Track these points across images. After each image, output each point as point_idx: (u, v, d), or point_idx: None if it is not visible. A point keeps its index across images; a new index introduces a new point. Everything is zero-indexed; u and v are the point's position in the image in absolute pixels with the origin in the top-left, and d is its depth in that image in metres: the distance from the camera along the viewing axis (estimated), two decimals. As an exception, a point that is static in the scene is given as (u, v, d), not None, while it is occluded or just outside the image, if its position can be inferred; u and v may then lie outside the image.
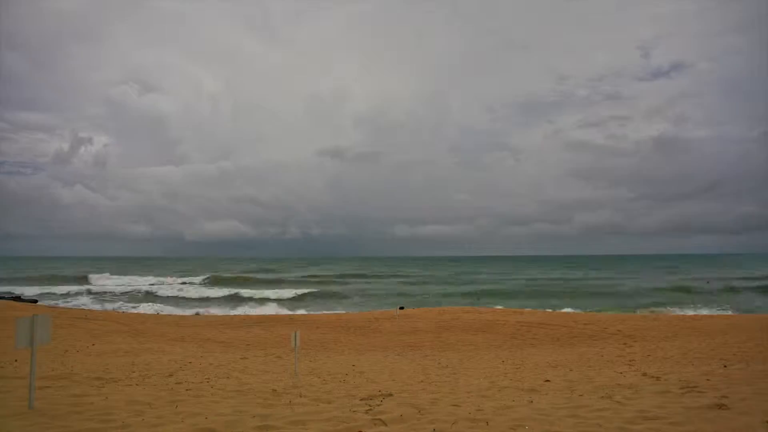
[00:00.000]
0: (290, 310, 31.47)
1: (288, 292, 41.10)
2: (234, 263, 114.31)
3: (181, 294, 42.28)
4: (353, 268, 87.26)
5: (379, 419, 4.94)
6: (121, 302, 36.69)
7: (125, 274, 64.91)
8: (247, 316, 25.96)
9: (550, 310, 26.17)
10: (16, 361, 9.34)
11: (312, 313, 28.30)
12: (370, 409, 5.41)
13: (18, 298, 34.12)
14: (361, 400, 6.05)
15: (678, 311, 27.67)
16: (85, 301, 37.06)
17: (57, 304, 34.46)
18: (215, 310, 32.20)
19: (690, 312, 26.75)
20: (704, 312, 26.67)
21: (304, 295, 41.20)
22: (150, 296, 41.16)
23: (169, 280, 56.53)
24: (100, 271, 66.40)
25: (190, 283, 51.97)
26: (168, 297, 40.86)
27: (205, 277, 59.05)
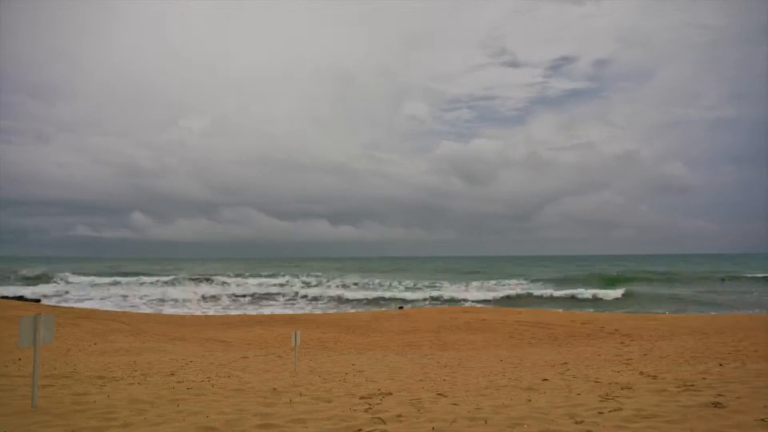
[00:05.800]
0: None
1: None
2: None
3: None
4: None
5: (379, 418, 5.00)
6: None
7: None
8: (248, 315, 26.03)
9: (548, 310, 26.24)
10: (19, 359, 9.42)
11: (312, 312, 28.34)
12: (370, 408, 5.47)
13: (21, 298, 34.15)
14: (360, 398, 6.11)
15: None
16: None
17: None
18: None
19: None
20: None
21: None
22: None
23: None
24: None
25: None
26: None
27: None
